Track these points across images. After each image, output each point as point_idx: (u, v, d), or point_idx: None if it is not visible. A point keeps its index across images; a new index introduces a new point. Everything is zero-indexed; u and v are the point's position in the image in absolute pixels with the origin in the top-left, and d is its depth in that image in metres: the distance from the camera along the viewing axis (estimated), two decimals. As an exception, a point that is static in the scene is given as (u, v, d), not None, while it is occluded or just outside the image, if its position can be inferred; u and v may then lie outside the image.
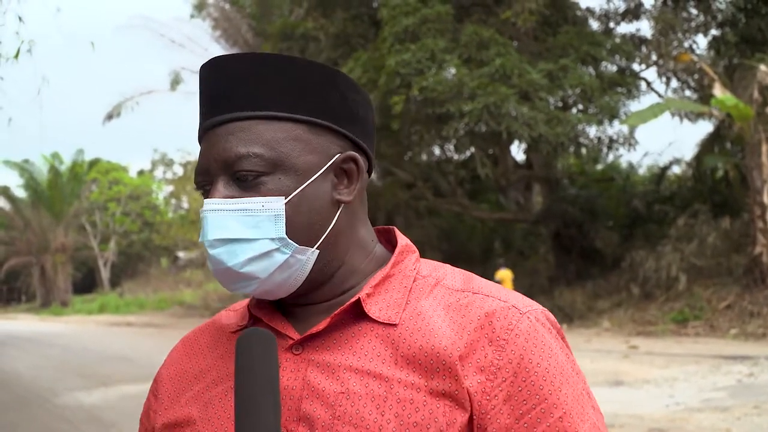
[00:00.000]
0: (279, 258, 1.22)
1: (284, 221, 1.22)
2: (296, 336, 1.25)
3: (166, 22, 33.33)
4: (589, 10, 23.30)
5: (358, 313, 1.25)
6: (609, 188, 24.84)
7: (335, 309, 1.28)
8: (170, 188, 58.90)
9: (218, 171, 1.24)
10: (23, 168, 50.49)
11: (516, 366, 1.20)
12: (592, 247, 22.72)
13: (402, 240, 1.36)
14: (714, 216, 20.20)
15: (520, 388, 1.19)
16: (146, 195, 58.63)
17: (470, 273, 1.36)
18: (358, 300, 1.25)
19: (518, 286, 23.06)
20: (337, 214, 1.27)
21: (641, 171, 27.18)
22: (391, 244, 1.39)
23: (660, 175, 24.55)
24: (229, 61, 1.29)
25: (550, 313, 1.30)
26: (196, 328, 1.47)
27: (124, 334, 28.21)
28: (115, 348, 21.80)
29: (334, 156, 1.27)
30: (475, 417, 1.18)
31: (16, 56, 9.71)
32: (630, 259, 20.74)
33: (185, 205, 56.31)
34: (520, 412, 1.19)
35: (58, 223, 51.27)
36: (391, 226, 1.40)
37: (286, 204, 1.22)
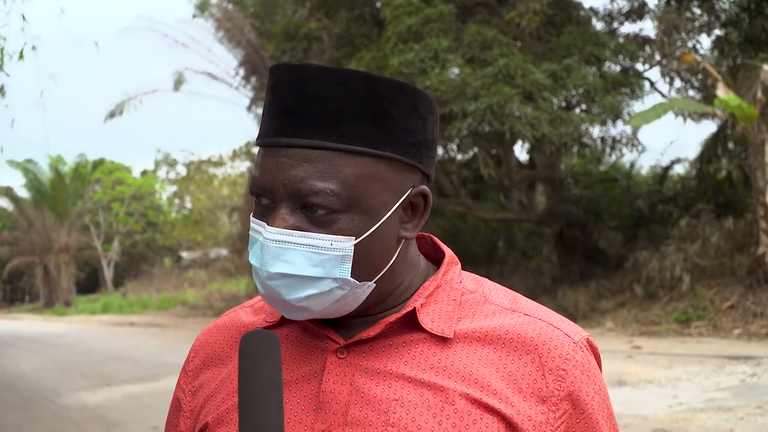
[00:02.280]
0: (338, 294, 1.20)
1: (351, 262, 1.18)
2: (340, 339, 1.24)
3: (170, 23, 33.24)
4: (592, 10, 23.25)
5: (408, 322, 1.24)
6: (612, 188, 24.80)
7: (381, 316, 1.27)
8: (173, 188, 58.90)
9: (285, 196, 1.19)
10: (27, 168, 50.51)
11: (575, 398, 1.21)
12: (596, 248, 22.70)
13: (448, 251, 1.36)
14: (717, 216, 20.16)
15: (578, 420, 1.22)
16: (149, 195, 58.60)
17: (512, 291, 1.36)
18: (412, 309, 1.24)
19: (522, 286, 23.04)
20: (398, 249, 1.25)
21: (644, 171, 27.17)
22: (424, 252, 1.38)
23: (663, 175, 24.52)
24: (310, 74, 1.20)
25: (593, 339, 1.31)
26: (212, 327, 1.44)
27: (128, 334, 28.21)
28: (118, 348, 21.80)
29: (407, 191, 1.24)
30: None
31: (21, 56, 9.70)
32: (633, 259, 20.72)
33: (188, 205, 56.34)
34: None
35: (61, 223, 51.28)
36: (427, 234, 1.39)
37: (354, 245, 1.18)
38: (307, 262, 1.17)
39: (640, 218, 22.93)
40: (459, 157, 24.16)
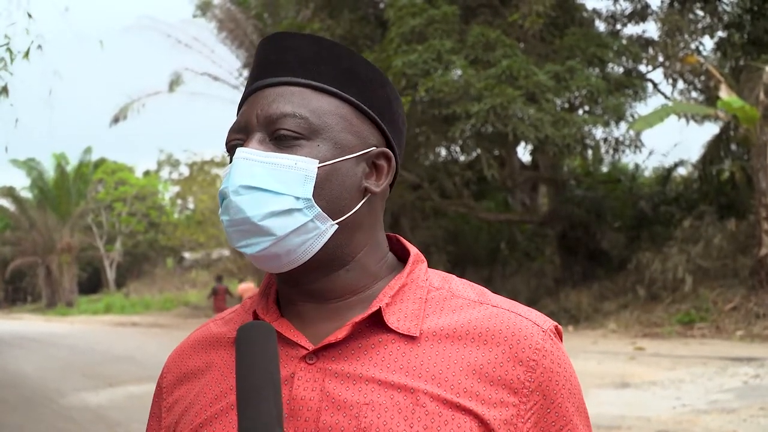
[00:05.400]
0: (300, 219, 1.21)
1: (313, 184, 1.21)
2: (308, 345, 1.23)
3: (174, 23, 33.29)
4: (595, 11, 23.28)
5: (375, 322, 1.24)
6: (615, 189, 24.81)
7: (345, 311, 1.27)
8: (176, 189, 58.92)
9: (257, 127, 1.25)
10: (30, 167, 50.60)
11: (545, 388, 1.21)
12: (599, 249, 22.70)
13: (413, 249, 1.36)
14: (720, 218, 20.17)
15: (548, 410, 1.21)
16: (152, 195, 58.67)
17: (476, 284, 1.35)
18: (378, 309, 1.23)
19: (524, 287, 23.02)
20: (362, 201, 1.27)
21: (647, 172, 27.17)
22: (392, 251, 1.38)
23: (666, 176, 24.52)
24: (290, 35, 1.32)
25: (560, 327, 1.31)
26: (185, 344, 1.43)
27: (130, 334, 28.24)
28: (120, 348, 21.82)
29: (371, 146, 1.29)
30: None
31: (26, 55, 9.67)
32: (636, 260, 20.71)
33: (191, 205, 56.37)
34: None
35: (63, 224, 51.35)
36: (394, 234, 1.40)
37: (318, 168, 1.22)
38: (272, 177, 1.21)
39: (643, 219, 22.92)
40: (462, 158, 24.19)
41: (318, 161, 1.22)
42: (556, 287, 22.72)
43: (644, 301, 19.70)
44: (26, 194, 54.04)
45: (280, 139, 1.23)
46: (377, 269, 1.31)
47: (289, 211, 1.21)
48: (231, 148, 1.28)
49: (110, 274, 56.17)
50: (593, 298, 21.07)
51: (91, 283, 58.46)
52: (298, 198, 1.21)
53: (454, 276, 1.36)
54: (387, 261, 1.33)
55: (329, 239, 1.24)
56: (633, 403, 10.16)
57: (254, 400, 1.03)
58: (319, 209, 1.22)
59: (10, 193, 52.47)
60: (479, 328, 1.23)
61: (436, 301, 1.28)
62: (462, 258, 25.44)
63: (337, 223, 1.24)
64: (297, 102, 1.24)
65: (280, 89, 1.26)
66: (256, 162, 1.21)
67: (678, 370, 12.58)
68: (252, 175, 1.21)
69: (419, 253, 1.36)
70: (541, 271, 24.61)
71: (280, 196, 1.20)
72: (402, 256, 1.37)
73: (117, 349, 21.78)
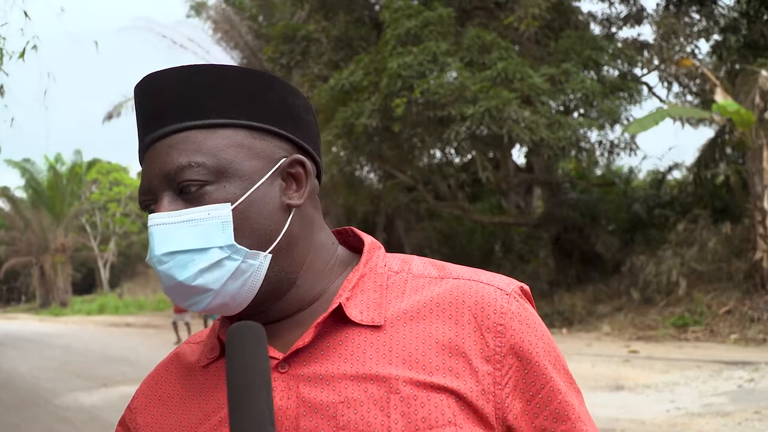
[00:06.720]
0: (230, 266, 1.19)
1: (232, 228, 1.18)
2: (278, 354, 1.22)
3: (169, 24, 33.19)
4: (591, 14, 23.30)
5: (339, 319, 1.23)
6: (610, 192, 24.82)
7: (309, 319, 1.26)
8: (170, 189, 58.88)
9: (161, 186, 1.21)
10: (24, 167, 50.53)
11: (518, 350, 1.20)
12: (593, 252, 22.71)
13: (367, 238, 1.34)
14: (714, 221, 20.19)
15: (526, 371, 1.20)
16: (146, 196, 58.58)
17: (438, 260, 1.34)
18: (339, 306, 1.22)
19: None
20: (289, 218, 1.24)
21: (642, 175, 27.19)
22: (348, 244, 1.37)
23: (661, 179, 24.53)
24: (159, 77, 1.26)
25: (525, 286, 1.30)
26: (159, 367, 1.41)
27: (124, 334, 28.21)
28: (115, 349, 21.80)
29: (279, 160, 1.25)
30: (491, 408, 1.17)
31: (22, 55, 9.64)
32: (630, 263, 20.72)
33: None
34: (530, 394, 1.20)
35: (58, 224, 51.29)
36: (348, 227, 1.39)
37: (233, 210, 1.19)
38: (190, 235, 1.18)
39: (638, 222, 22.94)
40: (457, 160, 24.19)
41: (230, 203, 1.19)
42: (550, 290, 22.72)
43: (638, 304, 19.71)
44: (21, 194, 53.98)
45: (187, 193, 1.19)
46: (329, 270, 1.30)
47: (218, 263, 1.19)
48: (145, 208, 1.25)
49: (104, 275, 56.10)
50: (587, 300, 21.08)
51: (85, 284, 58.41)
52: (221, 247, 1.18)
53: (414, 256, 1.35)
54: (338, 258, 1.32)
55: (269, 269, 1.22)
56: (627, 405, 10.17)
57: (247, 399, 1.03)
58: (246, 249, 1.20)
59: (4, 193, 52.43)
60: (442, 304, 1.22)
61: (397, 286, 1.27)
62: (456, 260, 25.20)
63: (270, 252, 1.22)
64: (188, 149, 1.20)
65: (167, 140, 1.22)
66: (168, 225, 1.18)
67: (672, 373, 12.59)
68: (170, 239, 1.18)
69: (375, 240, 1.34)
70: (535, 273, 24.60)
71: (203, 251, 1.18)
72: (359, 247, 1.35)
73: (111, 349, 21.76)
